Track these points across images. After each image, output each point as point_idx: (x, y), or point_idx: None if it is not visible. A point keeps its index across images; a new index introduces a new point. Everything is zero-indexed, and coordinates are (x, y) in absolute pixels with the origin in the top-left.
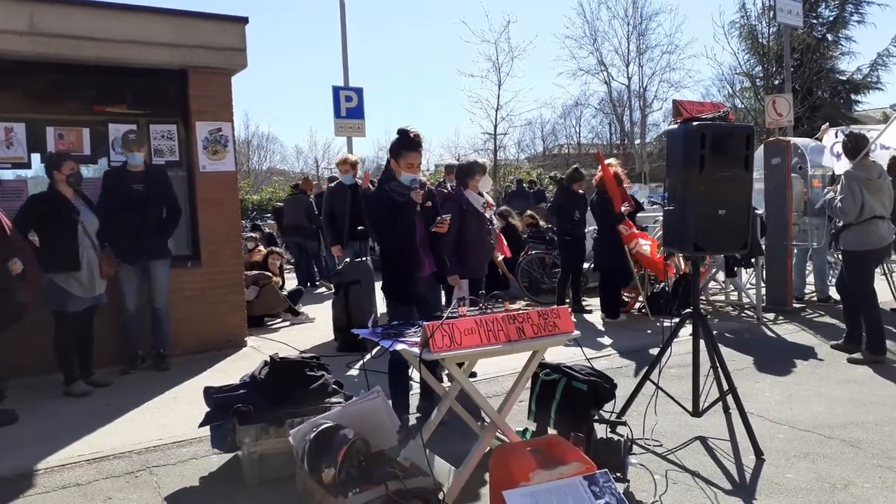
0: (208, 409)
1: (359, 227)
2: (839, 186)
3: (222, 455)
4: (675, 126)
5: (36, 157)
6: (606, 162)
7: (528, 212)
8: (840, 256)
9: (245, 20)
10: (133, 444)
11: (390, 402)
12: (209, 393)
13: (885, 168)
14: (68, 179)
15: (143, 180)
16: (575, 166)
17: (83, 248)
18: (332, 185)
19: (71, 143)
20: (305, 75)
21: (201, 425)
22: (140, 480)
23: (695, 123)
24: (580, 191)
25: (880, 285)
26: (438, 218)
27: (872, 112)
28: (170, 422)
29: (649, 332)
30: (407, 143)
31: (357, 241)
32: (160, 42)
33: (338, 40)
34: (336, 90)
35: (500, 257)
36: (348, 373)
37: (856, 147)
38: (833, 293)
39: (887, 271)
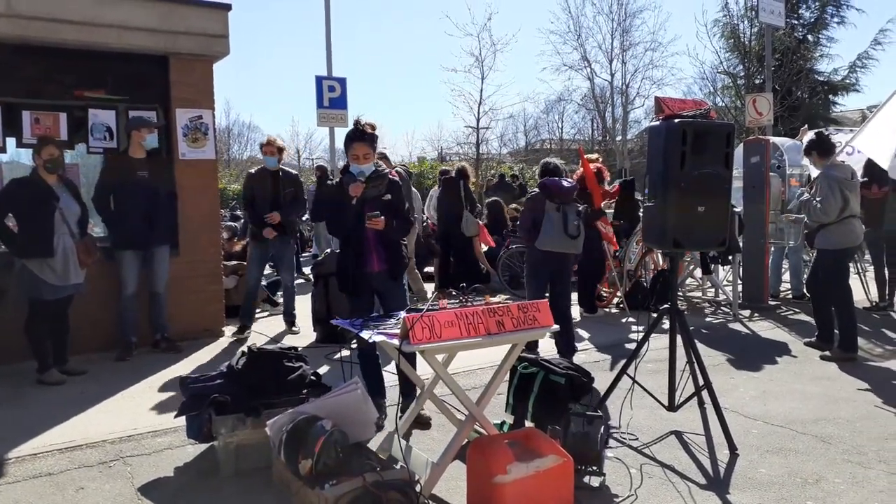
0: (184, 399)
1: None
2: (817, 187)
3: (198, 445)
4: (657, 122)
5: (11, 142)
6: (587, 158)
7: (513, 205)
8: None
9: (228, 7)
10: (107, 434)
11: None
12: (185, 383)
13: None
14: (45, 165)
15: (147, 168)
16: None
17: (59, 234)
18: (253, 170)
19: (47, 127)
20: (288, 65)
21: (177, 415)
22: (113, 470)
23: (676, 120)
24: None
25: (853, 284)
26: (368, 214)
27: (850, 113)
28: (145, 411)
29: (626, 327)
30: (350, 134)
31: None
32: (141, 27)
33: (322, 30)
34: (319, 79)
35: (485, 248)
36: (326, 364)
37: (827, 147)
38: (808, 291)
39: (861, 270)
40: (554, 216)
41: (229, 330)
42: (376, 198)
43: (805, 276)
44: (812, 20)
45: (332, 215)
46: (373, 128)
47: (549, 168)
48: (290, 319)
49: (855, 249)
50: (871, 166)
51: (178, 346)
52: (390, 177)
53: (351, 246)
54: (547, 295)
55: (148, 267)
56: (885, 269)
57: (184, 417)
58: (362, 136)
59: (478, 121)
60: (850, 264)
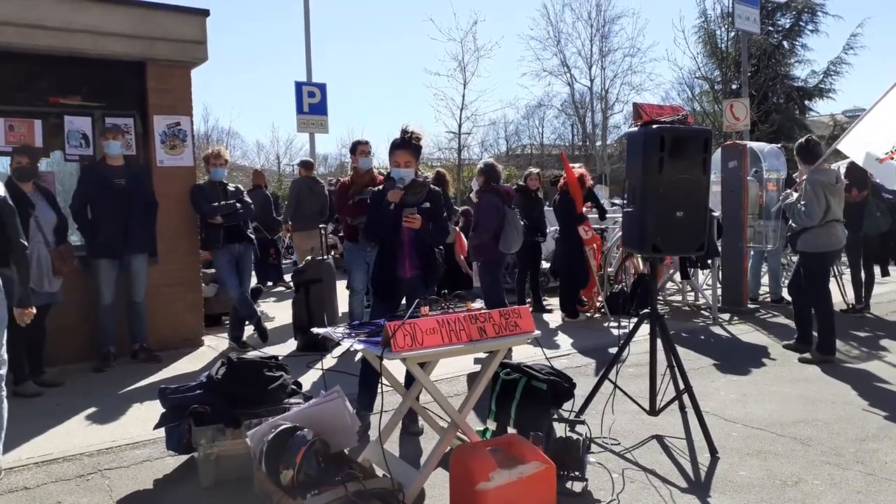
0: (163, 410)
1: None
2: (801, 191)
3: (177, 457)
4: (636, 128)
5: None
6: (571, 166)
7: None
8: (794, 259)
9: (206, 13)
10: (84, 447)
11: (356, 395)
12: (164, 393)
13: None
14: (14, 173)
15: (124, 174)
16: (529, 169)
17: (34, 243)
18: (201, 182)
19: (22, 135)
20: (268, 70)
21: (156, 427)
22: (91, 484)
23: (654, 126)
24: (538, 193)
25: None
26: (405, 211)
27: (825, 118)
28: (123, 423)
29: (608, 331)
30: (394, 141)
31: (237, 244)
32: (118, 32)
33: (301, 35)
34: (299, 85)
35: (462, 256)
36: (308, 373)
37: (813, 152)
38: (786, 294)
39: (837, 273)
40: (516, 220)
41: (209, 339)
42: (415, 205)
43: (784, 279)
44: (787, 26)
45: (369, 220)
46: (417, 138)
47: (499, 173)
48: (239, 335)
49: (837, 253)
50: (851, 170)
51: (156, 356)
52: (432, 186)
53: (385, 251)
54: (477, 286)
55: (125, 276)
56: (862, 271)
57: (163, 429)
58: (404, 144)
59: (459, 126)
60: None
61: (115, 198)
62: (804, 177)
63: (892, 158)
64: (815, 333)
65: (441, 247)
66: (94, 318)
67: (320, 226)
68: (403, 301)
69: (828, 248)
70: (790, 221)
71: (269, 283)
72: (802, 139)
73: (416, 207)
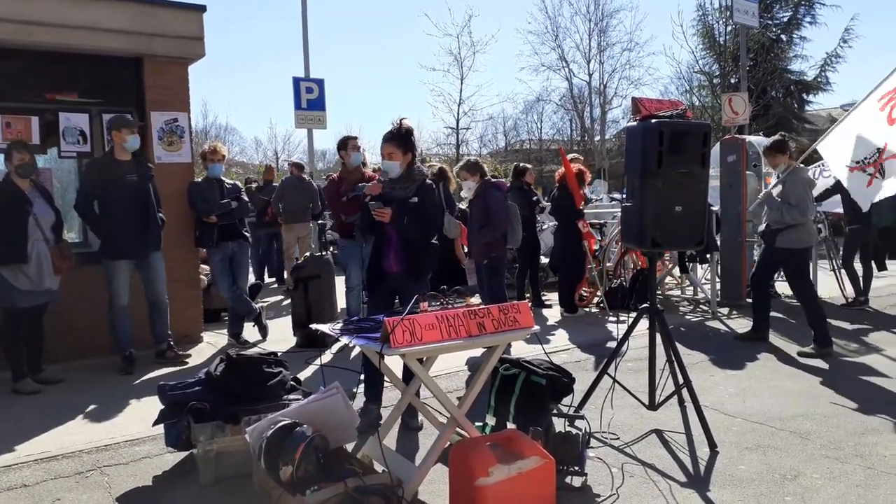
0: (162, 407)
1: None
2: (785, 188)
3: (177, 454)
4: (634, 123)
5: None
6: (570, 157)
7: None
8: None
9: (203, 8)
10: (83, 444)
11: (361, 390)
12: (163, 390)
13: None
14: (17, 170)
15: (135, 171)
16: (516, 163)
17: (33, 240)
18: (198, 179)
19: (19, 131)
20: (265, 66)
21: (155, 423)
22: (90, 481)
23: (653, 121)
24: (531, 185)
25: (829, 281)
26: (372, 204)
27: (823, 112)
28: (122, 420)
29: (607, 326)
30: (384, 135)
31: (231, 242)
32: (115, 29)
33: (299, 30)
34: (296, 81)
35: (466, 250)
36: (307, 369)
37: (786, 143)
38: (779, 288)
39: (836, 267)
40: (517, 214)
41: (208, 335)
42: (403, 199)
43: (779, 273)
44: (785, 19)
45: (360, 214)
46: (406, 130)
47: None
48: (238, 332)
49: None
50: None
51: (184, 357)
52: (427, 181)
53: (376, 244)
54: (469, 284)
55: (145, 275)
56: (861, 266)
57: (162, 425)
58: (390, 136)
59: (457, 121)
60: (826, 262)
61: (129, 194)
62: (780, 170)
63: (864, 170)
64: (812, 330)
65: (436, 241)
66: (93, 316)
67: (319, 221)
68: (397, 298)
69: (810, 242)
70: (764, 218)
71: (271, 280)
72: (767, 141)
73: (403, 202)
